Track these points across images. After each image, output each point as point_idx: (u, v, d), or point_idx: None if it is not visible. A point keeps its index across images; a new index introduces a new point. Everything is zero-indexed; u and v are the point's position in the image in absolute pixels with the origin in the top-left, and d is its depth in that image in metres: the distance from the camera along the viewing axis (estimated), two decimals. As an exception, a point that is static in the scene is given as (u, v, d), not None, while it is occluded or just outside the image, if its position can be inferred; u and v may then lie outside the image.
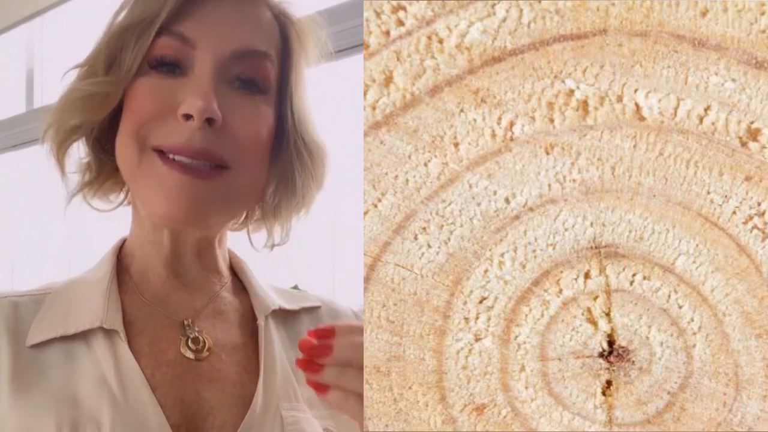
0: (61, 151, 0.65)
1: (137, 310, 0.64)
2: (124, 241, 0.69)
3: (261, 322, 0.66)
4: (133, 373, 0.59)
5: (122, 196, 0.68)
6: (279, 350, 0.65)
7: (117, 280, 0.65)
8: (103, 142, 0.65)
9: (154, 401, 0.58)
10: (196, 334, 0.63)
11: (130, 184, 0.63)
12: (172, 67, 0.61)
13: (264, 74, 0.63)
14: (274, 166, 0.66)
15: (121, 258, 0.67)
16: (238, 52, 0.61)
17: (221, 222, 0.66)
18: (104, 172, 0.66)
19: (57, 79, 0.65)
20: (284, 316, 0.69)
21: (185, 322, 0.64)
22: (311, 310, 0.72)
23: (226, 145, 0.60)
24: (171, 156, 0.59)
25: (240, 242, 0.71)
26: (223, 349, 0.64)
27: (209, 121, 0.59)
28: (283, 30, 0.65)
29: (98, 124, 0.64)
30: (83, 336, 0.61)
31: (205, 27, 0.61)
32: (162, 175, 0.59)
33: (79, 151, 0.66)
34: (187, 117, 0.59)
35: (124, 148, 0.62)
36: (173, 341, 0.63)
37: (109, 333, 0.61)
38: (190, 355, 0.62)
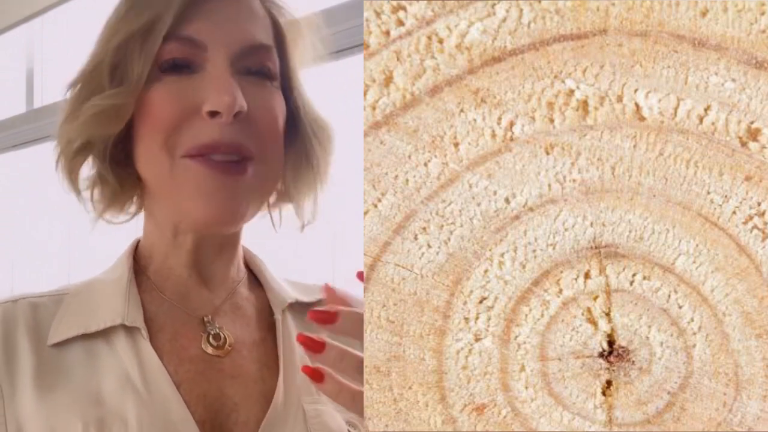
0: (73, 173, 0.65)
1: (156, 307, 0.64)
2: (137, 243, 0.68)
3: (278, 316, 0.67)
4: (157, 370, 0.60)
5: (134, 206, 0.67)
6: (297, 344, 0.66)
7: (135, 280, 0.65)
8: (119, 155, 0.64)
9: (178, 397, 0.59)
10: (217, 331, 0.64)
11: (160, 194, 0.62)
12: (182, 68, 0.60)
13: (270, 64, 0.63)
14: (290, 150, 0.66)
15: (137, 259, 0.67)
16: (246, 49, 0.61)
17: (252, 215, 0.65)
18: (127, 186, 0.65)
19: (57, 79, 0.65)
20: (301, 308, 0.69)
21: (205, 319, 0.64)
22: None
23: (251, 135, 0.60)
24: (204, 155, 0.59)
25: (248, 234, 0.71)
26: (244, 345, 0.64)
27: (236, 114, 0.59)
28: (275, 21, 0.65)
29: (113, 139, 0.62)
30: (104, 334, 0.61)
31: (212, 27, 0.61)
32: (200, 178, 0.59)
33: (89, 168, 0.65)
34: (213, 114, 0.58)
35: (152, 159, 0.61)
36: (194, 338, 0.63)
37: (130, 330, 0.62)
38: (211, 351, 0.63)
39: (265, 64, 0.63)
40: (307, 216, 0.70)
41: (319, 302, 0.71)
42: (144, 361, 0.60)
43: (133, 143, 0.62)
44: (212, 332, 0.64)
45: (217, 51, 0.60)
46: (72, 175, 0.65)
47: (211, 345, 0.63)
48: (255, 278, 0.71)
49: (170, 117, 0.59)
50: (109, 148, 0.63)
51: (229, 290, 0.67)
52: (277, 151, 0.63)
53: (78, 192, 0.66)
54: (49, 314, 0.63)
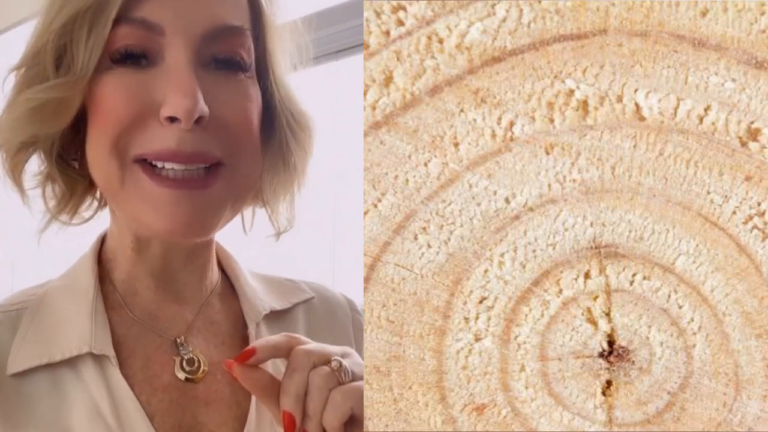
0: (16, 171, 0.57)
1: (126, 329, 0.58)
2: (103, 240, 0.62)
3: (252, 330, 0.62)
4: (128, 402, 0.55)
5: (95, 203, 0.61)
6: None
7: (101, 291, 0.59)
8: (68, 156, 0.57)
9: (152, 431, 0.54)
10: (191, 355, 0.59)
11: (114, 202, 0.56)
12: (138, 59, 0.52)
13: (241, 51, 0.55)
14: (266, 148, 0.59)
15: (102, 261, 0.61)
16: (211, 31, 0.53)
17: (226, 223, 0.59)
18: (78, 191, 0.58)
19: (9, 72, 0.57)
20: (276, 318, 0.65)
21: (178, 341, 0.59)
22: (305, 303, 0.68)
23: (218, 140, 0.53)
24: (159, 164, 0.52)
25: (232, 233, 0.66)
26: (218, 368, 0.60)
27: (198, 119, 0.51)
28: (252, 1, 0.57)
29: (60, 137, 0.55)
30: (70, 362, 0.55)
31: (170, 7, 0.52)
32: (153, 194, 0.52)
33: (39, 166, 0.57)
34: (172, 119, 0.51)
35: (101, 164, 0.53)
36: (167, 363, 0.58)
37: (98, 358, 0.56)
38: (185, 377, 0.58)
39: (236, 51, 0.54)
40: (283, 222, 0.64)
41: (294, 307, 0.67)
42: (114, 392, 0.55)
43: (84, 142, 0.55)
44: (186, 357, 0.59)
45: (176, 36, 0.52)
46: (15, 172, 0.57)
47: (185, 371, 0.58)
48: (228, 282, 0.65)
49: (122, 117, 0.52)
50: (56, 146, 0.56)
51: (202, 303, 0.62)
52: (251, 153, 0.56)
53: (22, 191, 0.58)
54: (6, 336, 0.56)
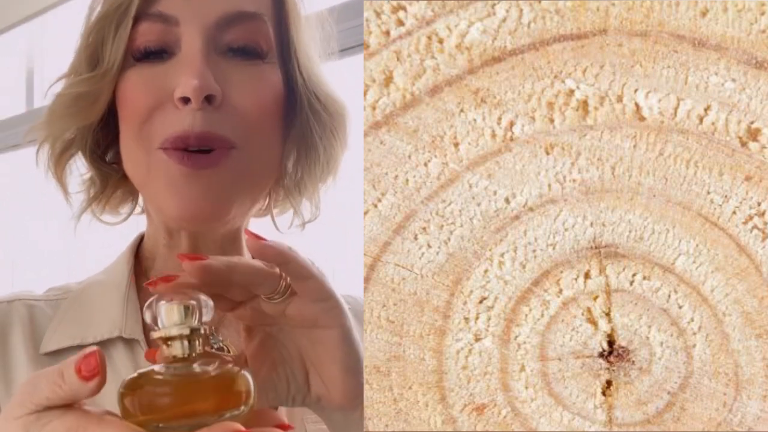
0: (59, 168, 0.61)
1: None
2: (141, 238, 0.65)
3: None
4: None
5: (133, 205, 0.64)
6: None
7: (136, 283, 0.61)
8: (101, 151, 0.61)
9: None
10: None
11: (142, 191, 0.59)
12: (158, 54, 0.55)
13: (257, 38, 0.57)
14: (290, 134, 0.60)
15: (140, 259, 0.64)
16: (224, 18, 0.55)
17: (243, 210, 0.60)
18: (110, 184, 0.62)
19: (57, 80, 0.62)
20: None
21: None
22: None
23: (230, 123, 0.55)
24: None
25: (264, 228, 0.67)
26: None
27: (208, 99, 0.53)
28: None
29: (92, 133, 0.59)
30: (101, 345, 0.57)
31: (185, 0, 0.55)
32: (171, 173, 0.54)
33: (78, 169, 0.62)
34: (185, 101, 0.53)
35: (129, 153, 0.57)
36: None
37: (129, 342, 0.58)
38: None
39: (251, 38, 0.56)
40: (307, 214, 0.65)
41: None
42: None
43: (117, 139, 0.59)
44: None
45: (190, 25, 0.54)
46: (57, 171, 0.61)
47: None
48: None
49: (142, 106, 0.55)
50: (90, 144, 0.60)
51: None
52: (266, 136, 0.57)
53: (65, 191, 0.62)
54: (45, 318, 0.60)
